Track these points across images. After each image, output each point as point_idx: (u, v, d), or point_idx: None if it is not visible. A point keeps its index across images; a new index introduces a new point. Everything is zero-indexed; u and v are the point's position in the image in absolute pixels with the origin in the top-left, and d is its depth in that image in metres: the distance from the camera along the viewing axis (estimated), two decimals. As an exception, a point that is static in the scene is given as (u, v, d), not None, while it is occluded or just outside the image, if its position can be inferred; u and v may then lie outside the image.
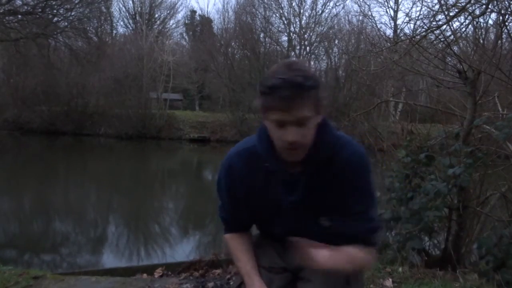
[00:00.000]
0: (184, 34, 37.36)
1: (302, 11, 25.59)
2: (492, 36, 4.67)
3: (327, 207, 1.19)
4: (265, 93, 1.07)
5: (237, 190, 1.27)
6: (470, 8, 3.70)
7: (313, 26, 25.41)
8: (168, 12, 34.17)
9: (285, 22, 26.16)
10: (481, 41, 4.25)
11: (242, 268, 1.30)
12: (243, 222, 1.35)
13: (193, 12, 36.89)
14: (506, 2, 3.61)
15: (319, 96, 1.10)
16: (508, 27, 3.68)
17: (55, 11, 20.37)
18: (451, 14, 3.71)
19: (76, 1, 20.29)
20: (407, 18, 27.00)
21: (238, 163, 1.25)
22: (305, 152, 1.13)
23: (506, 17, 3.54)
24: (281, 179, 1.20)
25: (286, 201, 1.21)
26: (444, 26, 3.78)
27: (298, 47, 26.15)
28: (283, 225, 1.26)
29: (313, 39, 25.28)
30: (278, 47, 26.94)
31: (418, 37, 3.96)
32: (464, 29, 4.14)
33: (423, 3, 6.42)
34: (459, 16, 3.73)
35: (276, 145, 1.14)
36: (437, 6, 4.04)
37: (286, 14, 25.96)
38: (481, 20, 4.05)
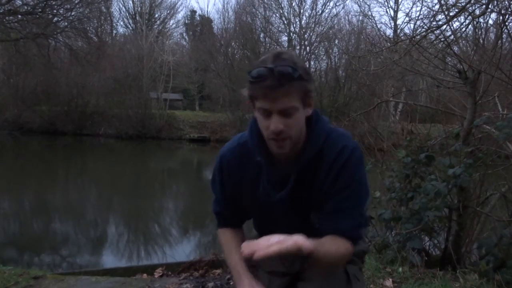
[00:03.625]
0: (184, 34, 37.48)
1: (302, 11, 25.63)
2: (492, 36, 4.67)
3: (317, 202, 1.18)
4: (251, 82, 1.07)
5: (229, 184, 1.28)
6: (470, 8, 3.70)
7: (313, 26, 25.43)
8: (168, 12, 34.29)
9: (285, 22, 26.21)
10: (481, 41, 4.23)
11: (231, 262, 1.29)
12: (236, 217, 1.36)
13: (193, 12, 37.03)
14: (506, 2, 3.61)
15: (307, 88, 1.09)
16: (508, 27, 3.67)
17: (55, 11, 20.35)
18: (451, 14, 3.71)
19: (76, 1, 20.27)
20: (407, 18, 26.98)
21: (231, 158, 1.27)
22: (291, 145, 1.12)
23: (506, 17, 3.54)
24: (271, 174, 1.20)
25: (275, 197, 1.20)
26: (444, 26, 3.78)
27: (298, 47, 26.16)
28: (275, 221, 1.25)
29: (313, 39, 25.29)
30: (278, 47, 26.91)
31: (418, 37, 3.96)
32: (464, 29, 4.14)
33: (423, 3, 6.45)
34: (459, 16, 3.73)
35: (264, 136, 1.14)
36: (437, 6, 4.05)
37: (286, 14, 26.02)
38: (481, 20, 4.04)
